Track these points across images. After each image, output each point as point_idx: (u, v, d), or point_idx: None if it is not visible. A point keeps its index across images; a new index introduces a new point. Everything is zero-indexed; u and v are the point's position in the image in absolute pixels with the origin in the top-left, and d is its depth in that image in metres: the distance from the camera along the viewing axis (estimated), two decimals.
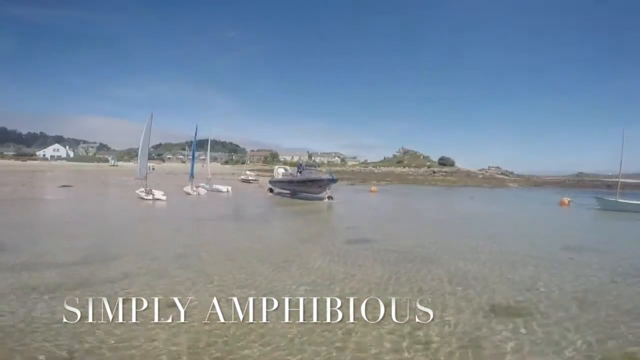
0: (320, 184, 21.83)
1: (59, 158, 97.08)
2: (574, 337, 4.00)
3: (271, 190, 26.68)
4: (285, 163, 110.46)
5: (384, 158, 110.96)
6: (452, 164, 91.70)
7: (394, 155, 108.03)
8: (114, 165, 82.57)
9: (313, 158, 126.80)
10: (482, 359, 3.54)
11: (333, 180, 21.85)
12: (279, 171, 29.08)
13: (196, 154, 30.81)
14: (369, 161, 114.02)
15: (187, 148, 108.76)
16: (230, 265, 6.88)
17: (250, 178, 49.36)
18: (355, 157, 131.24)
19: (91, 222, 11.75)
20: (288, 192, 24.86)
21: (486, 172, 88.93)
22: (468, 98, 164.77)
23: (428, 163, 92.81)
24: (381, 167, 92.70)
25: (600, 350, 3.72)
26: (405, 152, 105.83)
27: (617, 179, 22.46)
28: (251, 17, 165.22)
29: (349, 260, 7.58)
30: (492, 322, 4.43)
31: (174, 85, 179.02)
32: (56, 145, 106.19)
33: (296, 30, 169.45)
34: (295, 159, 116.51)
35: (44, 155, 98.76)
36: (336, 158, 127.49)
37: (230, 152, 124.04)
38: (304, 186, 22.93)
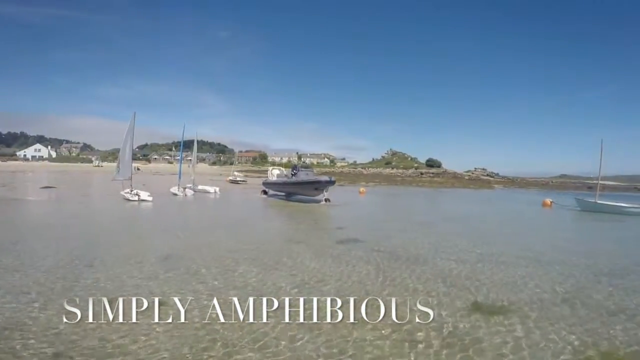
0: (316, 186, 20.97)
1: (41, 158, 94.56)
2: (565, 337, 4.13)
3: (265, 193, 25.76)
4: (274, 164, 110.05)
5: (373, 159, 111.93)
6: (439, 166, 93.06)
7: (383, 157, 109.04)
8: (98, 166, 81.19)
9: (302, 159, 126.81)
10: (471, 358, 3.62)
11: (331, 182, 21.11)
12: (274, 172, 27.75)
13: (183, 154, 30.43)
14: (358, 162, 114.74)
15: (173, 148, 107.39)
16: (219, 266, 6.83)
17: (238, 179, 48.94)
18: (344, 159, 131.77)
19: (75, 224, 11.49)
20: (283, 194, 24.15)
21: (472, 173, 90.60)
22: (456, 101, 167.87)
23: (416, 164, 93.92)
24: (370, 169, 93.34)
25: (586, 349, 3.84)
26: (394, 153, 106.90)
27: (597, 182, 23.17)
28: (243, 17, 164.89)
29: (339, 260, 7.63)
30: (481, 320, 4.54)
31: (162, 84, 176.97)
32: (37, 145, 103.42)
33: (287, 32, 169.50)
34: (285, 160, 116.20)
35: (25, 155, 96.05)
36: (325, 159, 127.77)
37: (218, 152, 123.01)
38: (299, 188, 22.12)
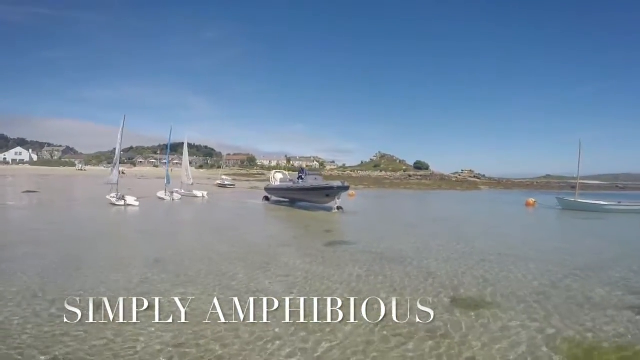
0: (328, 193, 18.88)
1: (22, 162, 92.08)
2: (541, 326, 4.35)
3: (267, 199, 23.92)
4: (262, 167, 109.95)
5: (362, 162, 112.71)
6: (427, 168, 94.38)
7: (372, 160, 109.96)
8: (81, 170, 79.49)
9: (292, 162, 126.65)
10: (452, 348, 3.76)
11: (344, 188, 19.10)
12: (277, 177, 25.48)
13: (170, 157, 30.05)
14: (347, 165, 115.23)
15: (159, 152, 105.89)
16: (209, 268, 6.88)
17: (226, 183, 48.56)
18: (334, 161, 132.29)
19: (60, 229, 11.31)
20: (287, 200, 22.32)
21: (459, 175, 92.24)
22: (443, 104, 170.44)
23: (404, 167, 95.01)
24: (359, 171, 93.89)
25: (556, 338, 4.04)
26: (382, 156, 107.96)
27: (582, 182, 23.96)
28: (231, 18, 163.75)
29: (327, 262, 7.75)
30: (459, 313, 4.73)
31: (148, 86, 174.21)
32: (18, 149, 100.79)
33: (276, 33, 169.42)
34: (274, 163, 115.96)
35: (5, 159, 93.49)
36: (315, 162, 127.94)
37: (206, 156, 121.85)
38: (308, 195, 20.03)
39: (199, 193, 27.55)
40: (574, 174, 24.45)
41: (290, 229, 13.71)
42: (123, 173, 51.46)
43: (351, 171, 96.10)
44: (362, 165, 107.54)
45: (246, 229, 13.04)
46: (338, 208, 18.36)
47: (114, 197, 18.97)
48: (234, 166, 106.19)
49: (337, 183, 19.61)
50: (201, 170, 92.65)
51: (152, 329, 3.97)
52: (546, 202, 26.10)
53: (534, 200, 27.75)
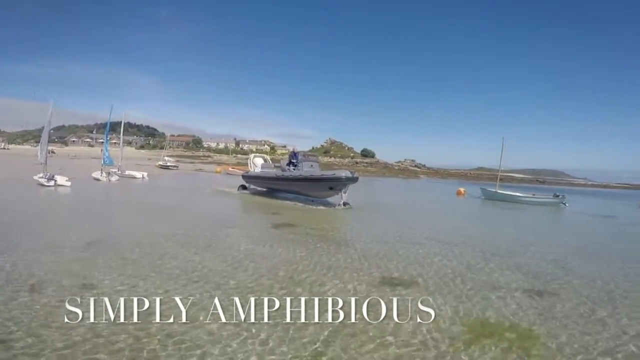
0: (332, 185, 15.54)
1: None
2: (455, 306, 5.06)
3: (244, 188, 19.97)
4: (209, 149, 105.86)
5: (313, 148, 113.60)
6: (372, 156, 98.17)
7: (322, 146, 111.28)
8: (4, 149, 73.11)
9: (241, 145, 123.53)
10: (377, 317, 4.23)
11: (353, 179, 15.74)
12: (257, 162, 20.77)
13: (108, 137, 28.01)
14: (298, 150, 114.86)
15: (95, 130, 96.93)
16: (147, 251, 6.87)
17: (169, 164, 46.55)
18: (285, 146, 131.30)
19: None
20: (271, 190, 18.92)
21: (402, 164, 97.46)
22: (391, 95, 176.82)
23: (352, 154, 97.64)
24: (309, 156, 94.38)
25: (465, 314, 4.71)
26: (333, 142, 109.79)
27: (508, 174, 26.85)
28: None
29: (271, 243, 8.10)
30: (387, 289, 5.40)
31: (84, 62, 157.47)
32: None
33: (230, 12, 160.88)
34: (221, 145, 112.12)
35: None
36: (265, 146, 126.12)
37: (148, 136, 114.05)
38: (305, 186, 16.55)
39: (138, 174, 26.25)
40: (503, 167, 27.33)
41: (233, 208, 13.79)
42: (53, 152, 46.68)
43: (302, 156, 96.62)
44: (313, 151, 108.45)
45: (188, 209, 12.88)
46: (344, 204, 15.15)
47: (42, 177, 17.48)
48: (177, 147, 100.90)
49: (344, 173, 15.86)
50: (142, 151, 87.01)
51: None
52: (474, 192, 28.86)
53: (464, 189, 30.64)
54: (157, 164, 45.90)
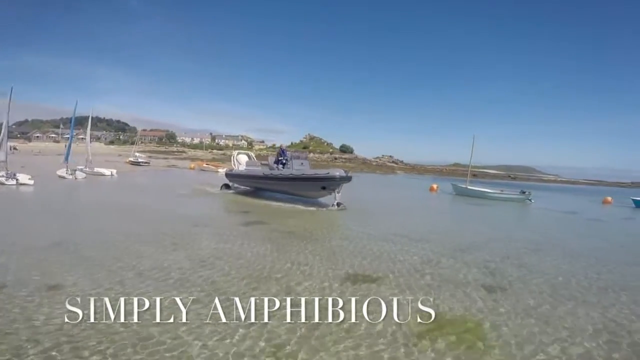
0: (325, 184, 14.78)
1: None
2: (411, 298, 5.34)
3: (227, 187, 19.03)
4: (183, 145, 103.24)
5: (292, 143, 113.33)
6: (351, 152, 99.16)
7: (301, 141, 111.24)
8: None
9: (217, 140, 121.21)
10: (335, 315, 4.38)
11: (347, 179, 15.07)
12: (241, 159, 19.53)
13: (74, 132, 26.92)
14: (276, 145, 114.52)
15: (62, 125, 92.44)
16: (114, 250, 6.75)
17: (140, 160, 45.03)
18: (263, 141, 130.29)
19: None
20: (257, 189, 17.90)
21: (380, 160, 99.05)
22: (369, 91, 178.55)
23: (331, 150, 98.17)
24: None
25: (420, 309, 4.80)
26: (311, 138, 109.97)
27: (482, 170, 27.81)
28: None
29: (240, 240, 8.14)
30: (351, 286, 5.57)
31: (50, 54, 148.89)
32: None
33: (205, 3, 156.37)
34: (196, 140, 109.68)
35: None
36: (243, 141, 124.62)
37: (118, 131, 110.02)
38: (296, 186, 15.62)
39: (106, 171, 25.33)
40: (477, 163, 28.27)
41: (204, 207, 13.58)
42: (14, 149, 44.19)
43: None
44: (292, 146, 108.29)
45: (157, 207, 12.59)
46: (338, 204, 14.36)
47: (2, 176, 16.60)
48: (150, 142, 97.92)
49: (338, 172, 15.01)
50: (111, 147, 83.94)
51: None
52: (446, 188, 29.73)
53: (436, 185, 31.54)
54: (127, 160, 44.39)
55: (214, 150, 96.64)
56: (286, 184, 15.80)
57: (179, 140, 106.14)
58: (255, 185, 17.93)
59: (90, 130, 29.53)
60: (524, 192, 25.72)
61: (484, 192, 26.34)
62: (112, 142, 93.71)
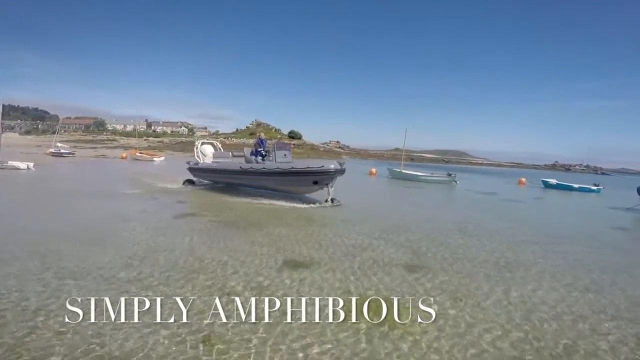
0: (317, 179, 12.91)
1: None
2: (340, 279, 5.61)
3: (191, 182, 16.97)
4: (115, 132, 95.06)
5: (237, 130, 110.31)
6: (300, 137, 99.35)
7: (247, 127, 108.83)
8: None
9: (153, 127, 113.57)
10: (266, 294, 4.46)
11: (342, 172, 13.17)
12: (206, 150, 17.37)
13: None
14: (220, 132, 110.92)
15: None
16: (34, 247, 6.26)
17: (63, 151, 41.05)
18: (205, 128, 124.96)
19: None
20: (231, 185, 15.74)
21: (327, 145, 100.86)
22: (317, 76, 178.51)
23: (279, 135, 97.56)
24: (233, 139, 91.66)
25: (349, 289, 5.23)
26: (259, 124, 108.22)
27: (420, 155, 29.93)
28: None
29: (173, 232, 7.90)
30: (286, 271, 5.64)
31: None
32: None
33: None
34: (129, 128, 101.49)
35: None
36: (183, 128, 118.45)
37: (36, 119, 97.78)
38: (282, 181, 13.48)
39: (22, 164, 22.63)
40: (416, 148, 30.33)
41: (134, 200, 12.74)
42: None
43: (224, 138, 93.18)
44: (237, 133, 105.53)
45: (82, 202, 11.36)
46: (332, 200, 12.91)
47: None
48: (75, 131, 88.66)
49: (333, 164, 13.04)
50: (28, 137, 74.92)
51: None
52: (384, 172, 31.28)
53: (375, 170, 33.05)
54: (47, 152, 39.99)
55: (150, 138, 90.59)
56: (271, 179, 13.69)
57: (109, 128, 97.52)
58: (231, 181, 15.65)
59: (2, 119, 25.98)
60: (450, 175, 28.08)
61: (416, 175, 28.29)
62: (28, 132, 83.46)
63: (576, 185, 29.25)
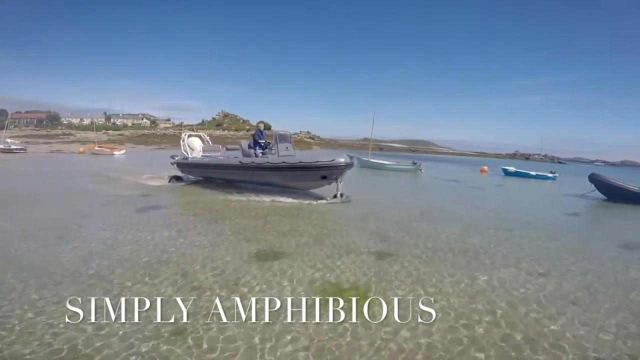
0: (325, 173, 11.91)
1: None
2: (309, 266, 5.74)
3: (178, 179, 15.46)
4: (70, 126, 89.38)
5: (203, 121, 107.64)
6: (269, 128, 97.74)
7: (214, 119, 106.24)
8: None
9: (112, 120, 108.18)
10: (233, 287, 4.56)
11: (351, 165, 12.37)
12: (194, 144, 16.02)
13: None
14: (185, 124, 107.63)
15: None
16: None
17: (13, 147, 38.51)
18: (169, 119, 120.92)
19: None
20: (227, 181, 14.66)
21: (298, 136, 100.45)
22: (286, 67, 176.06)
23: (247, 127, 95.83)
24: (198, 130, 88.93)
25: (316, 277, 5.34)
26: (226, 115, 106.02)
27: (389, 144, 30.61)
28: None
29: (138, 227, 7.69)
30: (254, 265, 5.66)
31: None
32: None
33: None
34: (87, 121, 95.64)
35: None
36: (145, 120, 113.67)
37: None
38: (290, 177, 12.33)
39: None
40: (385, 138, 31.02)
41: (95, 195, 12.08)
42: None
43: (189, 129, 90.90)
44: (203, 124, 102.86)
45: (37, 200, 10.75)
46: (341, 195, 12.02)
47: None
48: (27, 126, 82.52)
49: (343, 157, 11.99)
50: None
51: None
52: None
53: None
54: None
55: (110, 131, 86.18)
56: (275, 175, 12.46)
57: (65, 122, 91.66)
58: (229, 177, 14.45)
59: None
60: (415, 163, 29.08)
61: (383, 163, 29.05)
62: None
63: (533, 173, 30.85)
